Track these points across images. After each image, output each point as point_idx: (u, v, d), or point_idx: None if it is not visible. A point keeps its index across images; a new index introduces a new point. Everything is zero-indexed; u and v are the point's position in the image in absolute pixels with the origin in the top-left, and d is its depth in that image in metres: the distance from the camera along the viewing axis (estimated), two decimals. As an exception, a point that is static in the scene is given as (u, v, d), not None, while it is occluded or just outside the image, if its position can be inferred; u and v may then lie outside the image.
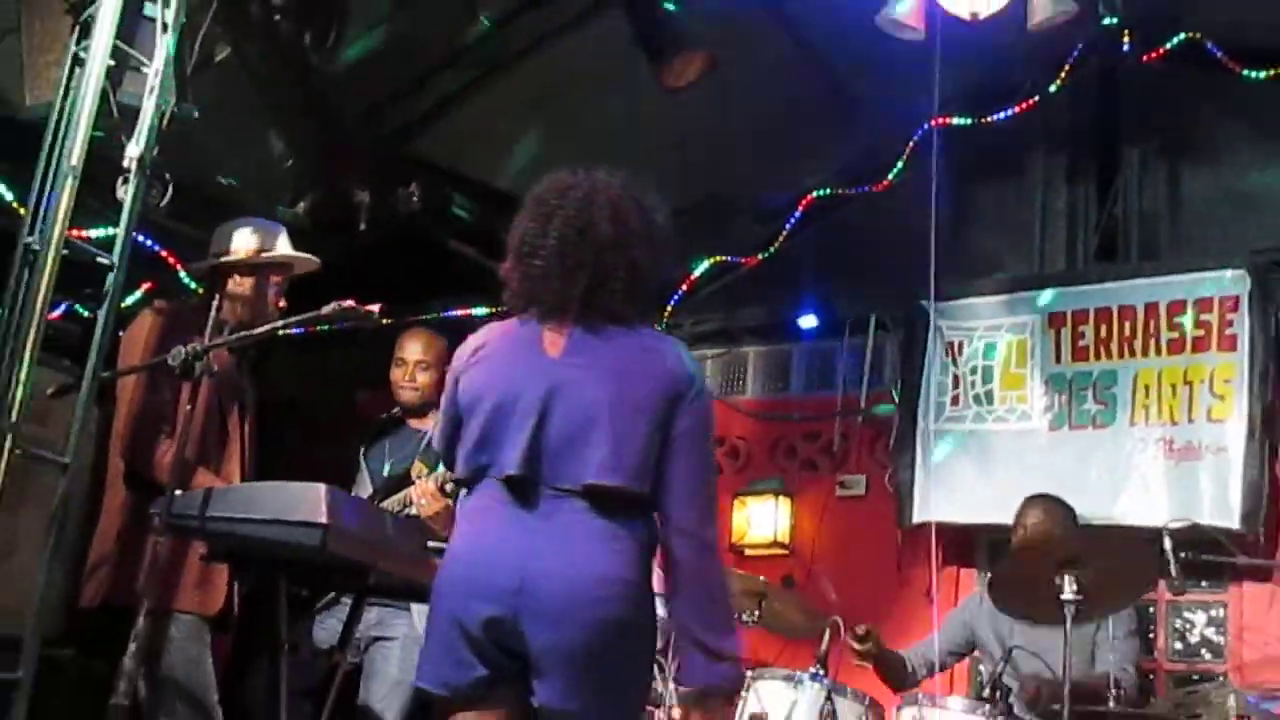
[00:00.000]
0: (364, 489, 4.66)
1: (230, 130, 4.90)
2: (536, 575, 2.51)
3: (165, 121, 3.28)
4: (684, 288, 6.68)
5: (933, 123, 6.44)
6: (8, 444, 2.93)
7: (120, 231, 3.21)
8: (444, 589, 2.66)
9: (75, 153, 3.08)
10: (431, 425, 4.78)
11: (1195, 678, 5.34)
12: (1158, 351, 5.53)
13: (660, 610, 2.72)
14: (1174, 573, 4.11)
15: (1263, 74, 5.71)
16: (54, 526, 3.13)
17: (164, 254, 5.24)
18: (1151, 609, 5.45)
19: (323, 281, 4.08)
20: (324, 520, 3.07)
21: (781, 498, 6.34)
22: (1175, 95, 6.08)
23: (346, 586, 3.74)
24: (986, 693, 4.16)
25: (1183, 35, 5.94)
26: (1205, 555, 4.59)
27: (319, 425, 5.88)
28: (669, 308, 6.60)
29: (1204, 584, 5.39)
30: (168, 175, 3.47)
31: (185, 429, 3.22)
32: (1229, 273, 5.40)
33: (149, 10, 3.27)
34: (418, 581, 3.57)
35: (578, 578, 2.53)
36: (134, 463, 3.70)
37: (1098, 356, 5.69)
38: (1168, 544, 4.11)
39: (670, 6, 4.94)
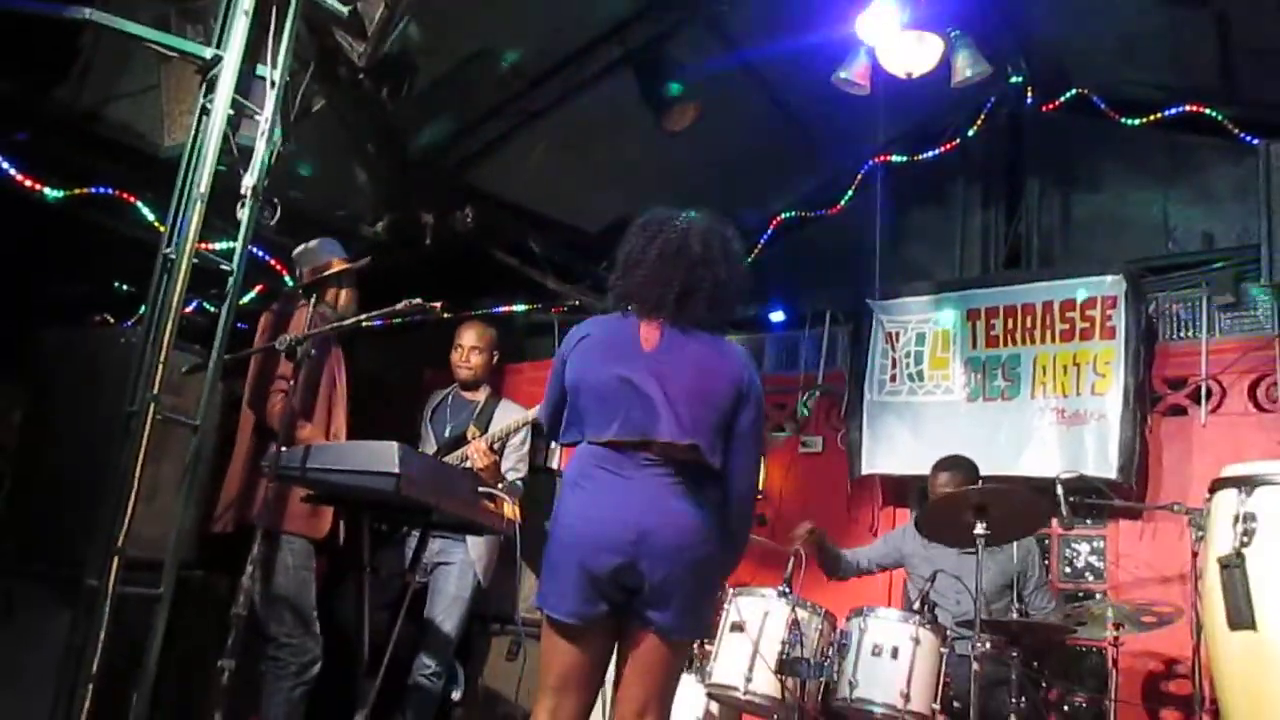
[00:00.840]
0: (429, 447, 4.68)
1: (324, 165, 4.91)
2: (649, 529, 2.63)
3: (273, 158, 3.29)
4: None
5: (876, 159, 6.46)
6: (151, 410, 2.94)
7: (238, 245, 3.22)
8: (571, 542, 2.69)
9: (203, 183, 3.09)
10: (482, 397, 4.80)
11: (1081, 595, 5.34)
12: (1053, 339, 5.51)
13: None
14: (1064, 513, 4.10)
15: (1137, 121, 5.71)
16: (187, 475, 3.14)
17: (272, 262, 5.26)
18: (1046, 541, 5.45)
19: (397, 284, 4.10)
20: (397, 470, 3.09)
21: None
22: (1067, 138, 6.07)
23: (415, 522, 3.75)
24: (916, 606, 4.17)
25: (1074, 90, 5.94)
26: (1089, 499, 4.59)
27: (394, 395, 5.89)
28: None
29: (1088, 522, 5.38)
30: (275, 200, 3.48)
31: (292, 394, 3.30)
32: (1109, 278, 5.38)
33: (260, 71, 3.27)
34: (471, 519, 3.60)
35: (678, 528, 2.66)
36: (253, 408, 3.74)
37: (1006, 343, 5.67)
38: (1059, 490, 4.10)
39: (675, 87, 4.96)
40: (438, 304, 3.31)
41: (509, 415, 4.59)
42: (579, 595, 2.65)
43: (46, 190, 4.31)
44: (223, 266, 3.22)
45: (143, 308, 3.17)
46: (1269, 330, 5.12)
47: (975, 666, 3.79)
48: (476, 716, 4.60)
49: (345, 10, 3.66)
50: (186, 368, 3.43)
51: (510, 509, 3.74)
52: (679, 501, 2.69)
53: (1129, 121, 5.72)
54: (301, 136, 3.67)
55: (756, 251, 6.70)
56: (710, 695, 4.18)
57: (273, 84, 3.27)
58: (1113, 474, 5.06)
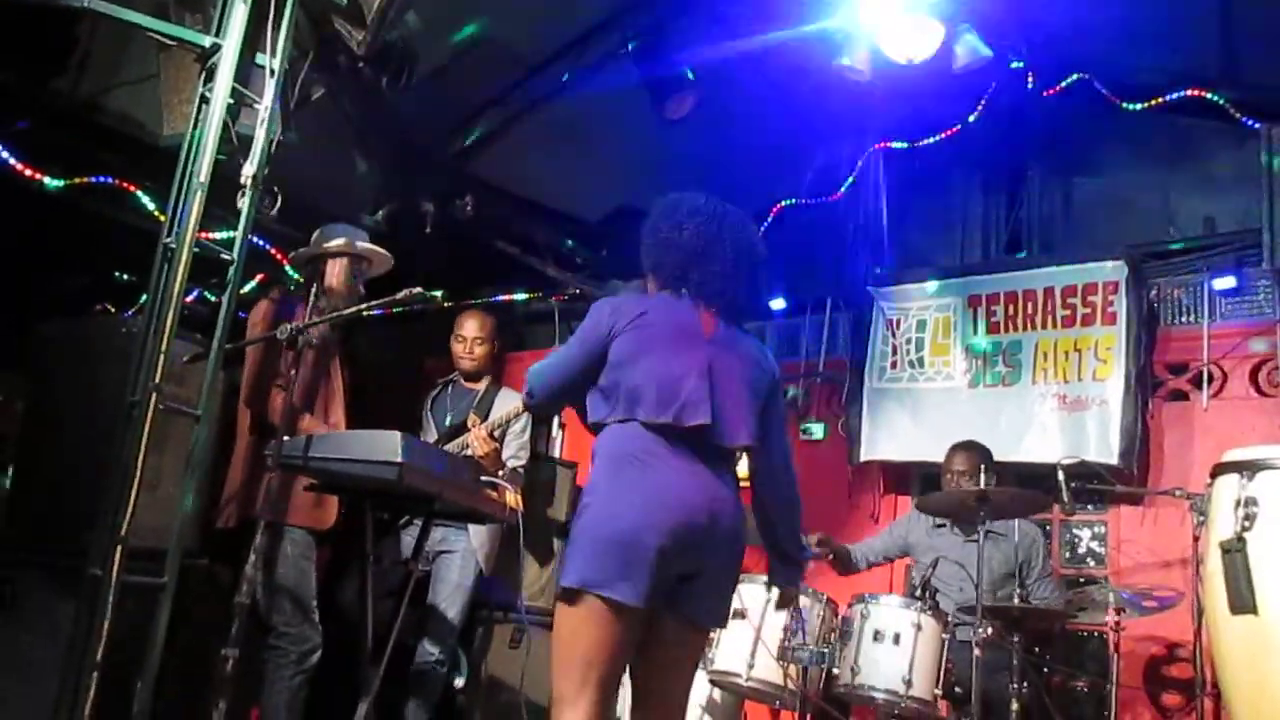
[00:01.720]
0: (429, 436, 4.68)
1: (324, 154, 4.90)
2: (716, 515, 2.64)
3: (273, 147, 3.28)
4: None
5: (876, 146, 6.44)
6: (153, 400, 2.94)
7: (238, 234, 3.21)
8: (643, 522, 2.55)
9: (203, 172, 3.07)
10: (482, 386, 4.80)
11: (1082, 580, 5.34)
12: (1054, 325, 5.51)
13: None
14: (1066, 498, 4.11)
15: (1138, 105, 5.67)
16: (189, 464, 3.14)
17: (273, 251, 5.25)
18: (1048, 526, 5.46)
19: (397, 273, 4.10)
20: (399, 459, 3.09)
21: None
22: (1068, 123, 6.04)
23: (418, 511, 3.75)
24: (918, 592, 4.18)
25: (1075, 75, 5.89)
26: (1090, 485, 4.61)
27: (396, 384, 5.89)
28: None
29: (1089, 507, 5.38)
30: (275, 189, 3.47)
31: (291, 386, 3.27)
32: (1110, 263, 5.37)
33: (260, 59, 3.26)
34: (473, 507, 3.60)
35: (734, 517, 2.70)
36: (252, 406, 3.73)
37: (1007, 329, 5.66)
38: (1061, 476, 4.11)
39: (689, 74, 4.94)
40: (438, 293, 3.31)
41: (509, 403, 4.59)
42: (648, 577, 2.52)
43: (46, 180, 4.30)
44: (223, 256, 3.21)
45: (143, 297, 3.16)
46: (1271, 315, 5.11)
47: (977, 652, 3.81)
48: (479, 704, 4.61)
49: (344, -2, 3.65)
50: (188, 357, 3.43)
51: (512, 497, 3.74)
52: (728, 490, 2.72)
53: (1130, 106, 5.69)
54: (301, 125, 3.66)
55: (757, 238, 6.69)
56: (713, 682, 4.20)
57: (272, 72, 3.26)
58: (1114, 459, 5.06)
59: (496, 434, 4.44)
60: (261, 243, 5.08)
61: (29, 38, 3.81)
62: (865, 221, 6.45)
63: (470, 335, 4.77)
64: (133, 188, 4.56)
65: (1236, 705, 3.08)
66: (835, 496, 6.04)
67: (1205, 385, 5.19)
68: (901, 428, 5.83)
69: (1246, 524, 3.00)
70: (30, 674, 3.20)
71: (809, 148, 6.40)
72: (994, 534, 4.45)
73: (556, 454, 6.36)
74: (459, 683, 4.71)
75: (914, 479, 5.98)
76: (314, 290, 3.86)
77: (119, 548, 2.80)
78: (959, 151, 6.36)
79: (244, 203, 3.19)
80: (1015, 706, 3.83)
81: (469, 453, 4.37)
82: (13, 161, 4.20)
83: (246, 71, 3.22)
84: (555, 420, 6.43)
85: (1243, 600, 2.97)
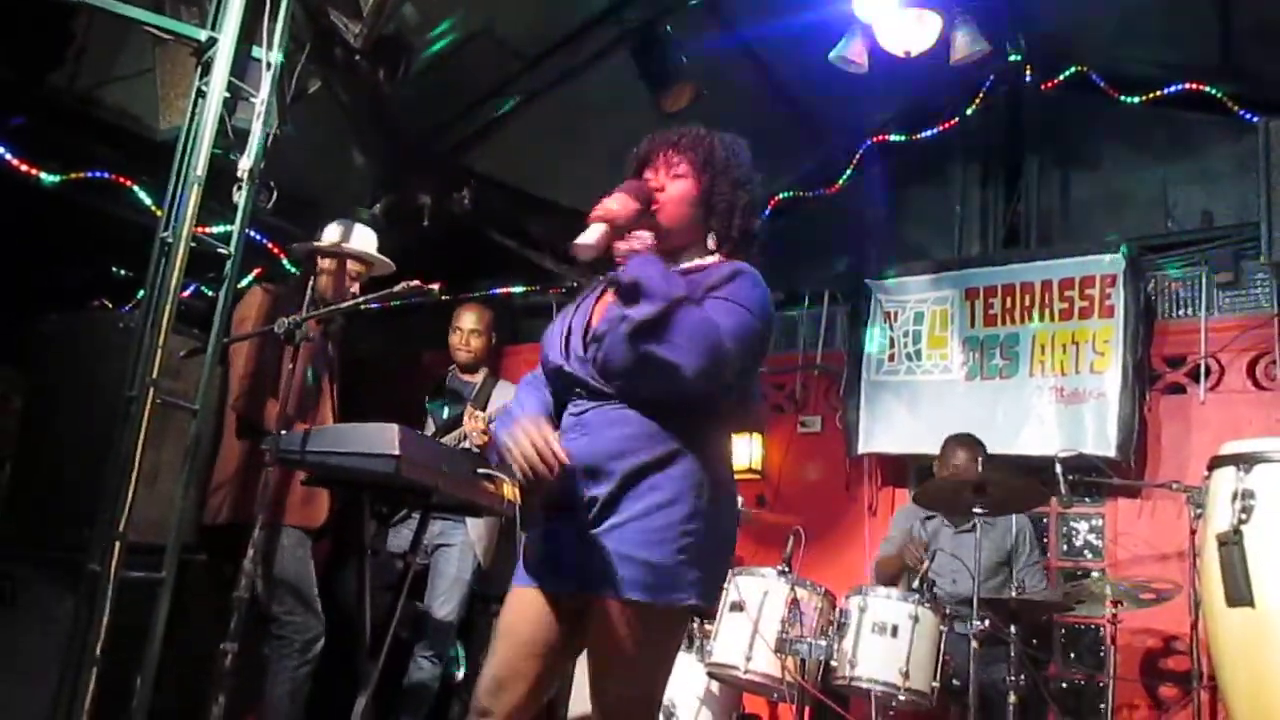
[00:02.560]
0: (428, 429, 4.68)
1: (321, 147, 4.89)
2: None
3: (270, 141, 3.27)
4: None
5: (873, 139, 6.44)
6: (150, 395, 2.94)
7: (235, 228, 3.21)
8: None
9: (200, 166, 3.07)
10: (480, 379, 4.80)
11: (1079, 573, 5.35)
12: (1052, 318, 5.51)
13: None
14: (1063, 491, 4.12)
15: (1136, 98, 5.68)
16: (187, 459, 3.14)
17: (270, 246, 5.24)
18: (1045, 519, 5.47)
19: (395, 266, 4.10)
20: (397, 452, 3.08)
21: (755, 434, 6.35)
22: (1066, 116, 6.05)
23: (416, 504, 3.74)
24: (916, 584, 4.19)
25: (1073, 68, 5.90)
26: (1088, 477, 4.62)
27: (394, 377, 5.89)
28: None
29: (1087, 500, 5.39)
30: (272, 183, 3.46)
31: (288, 384, 3.23)
32: (1108, 256, 5.38)
33: (256, 53, 3.25)
34: (471, 500, 3.60)
35: None
36: (246, 414, 3.72)
37: (1004, 322, 5.67)
38: (1058, 469, 4.12)
39: (683, 59, 4.93)
40: (435, 286, 3.30)
41: (506, 395, 4.59)
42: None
43: (43, 175, 4.29)
44: (220, 250, 3.21)
45: (141, 292, 3.16)
46: (1268, 308, 5.12)
47: (974, 645, 3.82)
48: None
49: (341, -9, 3.65)
50: (185, 352, 3.43)
51: (510, 490, 3.74)
52: None
53: (1128, 99, 5.70)
54: (297, 119, 3.65)
55: (755, 232, 6.69)
56: (710, 674, 4.21)
57: (268, 66, 3.25)
58: (1111, 452, 5.07)
59: (493, 427, 4.45)
60: (258, 237, 5.07)
61: (25, 32, 3.79)
62: (863, 214, 6.45)
63: (467, 328, 4.77)
64: (129, 182, 4.55)
65: (1233, 697, 3.09)
66: (832, 489, 6.05)
67: (1203, 378, 5.19)
68: (899, 420, 5.83)
69: (1243, 517, 3.01)
70: (29, 669, 3.21)
71: (806, 140, 6.38)
72: (985, 523, 4.46)
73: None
74: (458, 676, 4.72)
75: (911, 472, 5.99)
76: (311, 284, 3.86)
77: (117, 543, 2.81)
78: (957, 144, 6.37)
79: (241, 197, 3.19)
80: (1013, 699, 3.84)
81: (466, 445, 4.37)
82: (9, 157, 4.19)
83: (243, 65, 3.22)
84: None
85: (1239, 593, 2.97)
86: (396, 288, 3.32)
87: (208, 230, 3.19)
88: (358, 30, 3.95)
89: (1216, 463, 3.23)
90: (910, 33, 4.73)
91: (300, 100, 4.01)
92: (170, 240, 3.04)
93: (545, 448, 2.09)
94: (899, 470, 6.03)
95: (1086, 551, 5.49)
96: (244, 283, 4.65)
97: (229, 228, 3.22)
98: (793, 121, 6.09)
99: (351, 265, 4.02)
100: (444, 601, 4.44)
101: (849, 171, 6.48)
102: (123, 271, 4.97)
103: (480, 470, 3.67)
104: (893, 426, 5.86)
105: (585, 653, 2.27)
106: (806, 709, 4.06)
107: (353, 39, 3.98)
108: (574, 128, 5.54)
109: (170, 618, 2.98)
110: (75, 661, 2.76)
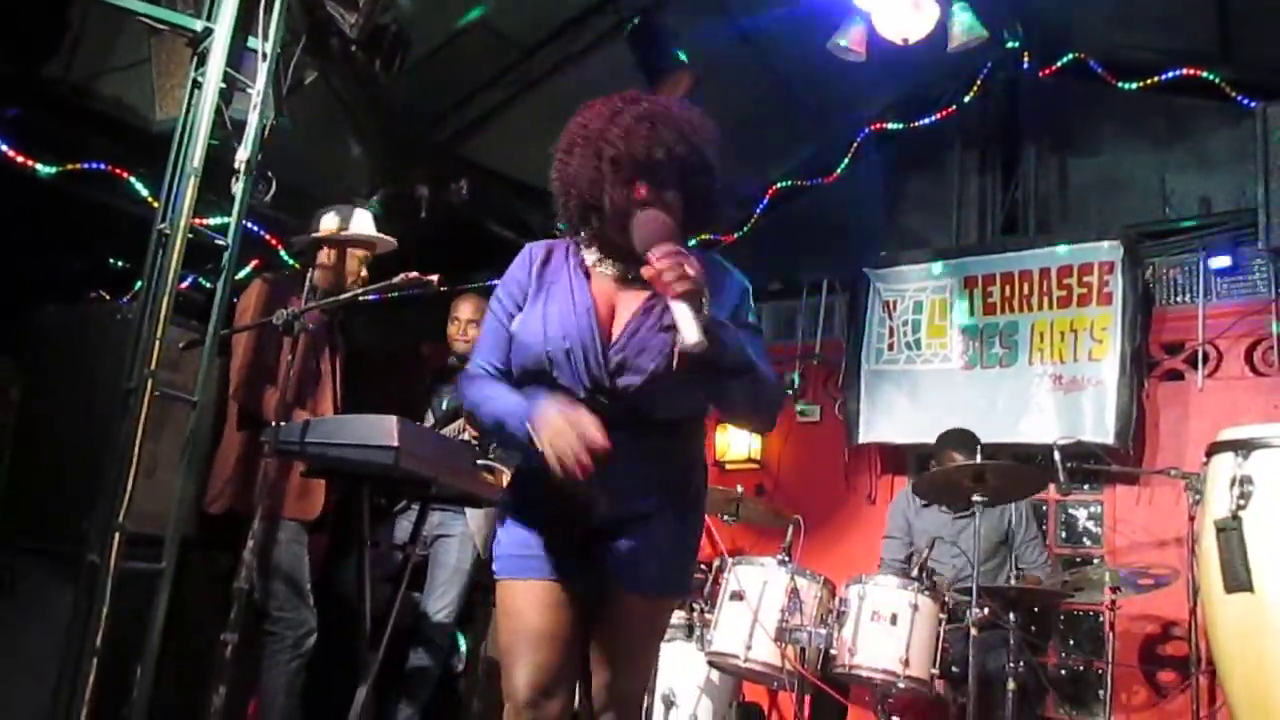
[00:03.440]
0: (427, 420, 4.68)
1: (318, 138, 4.87)
2: None
3: (266, 132, 3.27)
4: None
5: (871, 127, 6.43)
6: (149, 387, 2.94)
7: (233, 220, 3.20)
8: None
9: (196, 157, 3.06)
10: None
11: (1078, 560, 5.37)
12: (1050, 306, 5.52)
13: None
14: (1062, 478, 4.13)
15: (1134, 85, 5.68)
16: (186, 451, 3.14)
17: (268, 237, 5.23)
18: (1044, 507, 5.48)
19: (393, 257, 4.09)
20: (396, 444, 3.08)
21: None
22: (1064, 102, 6.05)
23: (415, 495, 3.76)
24: (915, 572, 4.19)
25: (1071, 55, 5.90)
26: (1086, 465, 4.62)
27: (393, 369, 5.88)
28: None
29: (1085, 487, 5.40)
30: (269, 174, 3.46)
31: (286, 375, 3.23)
32: (1106, 243, 5.38)
33: (252, 43, 3.24)
34: (470, 491, 3.60)
35: None
36: (245, 405, 3.72)
37: (1003, 310, 5.67)
38: (1057, 456, 4.13)
39: (682, 56, 4.90)
40: (434, 277, 3.29)
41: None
42: None
43: (39, 166, 4.28)
44: (218, 241, 3.20)
45: (138, 284, 3.16)
46: (1266, 294, 5.13)
47: (974, 632, 3.82)
48: (478, 687, 4.63)
49: (336, -19, 3.64)
50: (184, 343, 3.42)
51: (508, 480, 3.74)
52: None
53: (1126, 85, 5.69)
54: (294, 109, 3.64)
55: (754, 221, 6.69)
56: (711, 663, 4.21)
57: (264, 56, 3.24)
58: (1110, 439, 5.08)
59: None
60: (256, 228, 5.05)
61: (19, 23, 3.78)
62: (861, 203, 6.44)
63: (465, 318, 4.76)
64: (126, 174, 4.54)
65: (1231, 683, 3.10)
66: (831, 478, 6.06)
67: (1201, 365, 5.20)
68: (899, 410, 5.84)
69: (1242, 503, 3.01)
70: (29, 660, 3.21)
71: (804, 128, 6.38)
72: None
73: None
74: (458, 666, 4.73)
75: (910, 460, 5.99)
76: (310, 275, 3.85)
77: (117, 534, 2.81)
78: (955, 132, 6.36)
79: (238, 188, 3.18)
80: (1012, 686, 3.84)
81: (465, 436, 4.37)
82: (5, 149, 4.18)
83: (239, 56, 3.21)
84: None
85: (1238, 579, 2.97)
86: (395, 279, 3.31)
87: (205, 222, 3.19)
88: (354, 20, 3.93)
89: (1215, 449, 3.23)
90: (908, 20, 4.73)
91: (297, 91, 3.99)
92: (168, 232, 3.03)
93: (591, 439, 1.99)
94: (898, 459, 6.04)
95: (1085, 538, 5.51)
96: (242, 274, 4.66)
97: (226, 219, 3.21)
98: (790, 110, 6.08)
99: (353, 250, 4.02)
100: (444, 592, 4.44)
101: (847, 160, 6.47)
102: (120, 263, 4.96)
103: (479, 461, 3.68)
104: (893, 416, 5.86)
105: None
106: (806, 697, 4.07)
107: (349, 29, 3.96)
108: (570, 117, 5.53)
109: (170, 609, 2.98)
110: (75, 653, 2.76)
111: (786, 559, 4.17)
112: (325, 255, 3.98)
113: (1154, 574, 4.30)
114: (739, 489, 4.95)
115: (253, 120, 3.21)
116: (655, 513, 2.18)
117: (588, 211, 2.20)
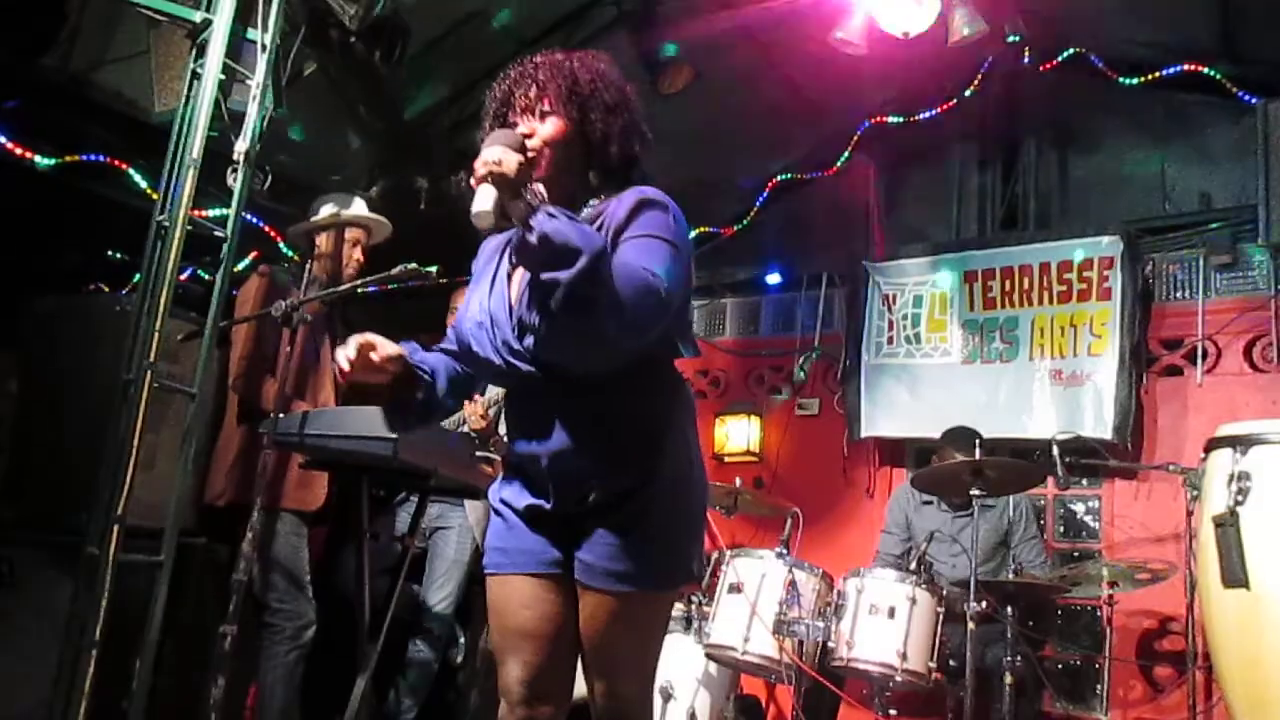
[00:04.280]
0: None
1: (317, 129, 4.87)
2: None
3: (265, 123, 3.27)
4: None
5: (871, 121, 6.42)
6: (148, 378, 2.94)
7: (231, 211, 3.21)
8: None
9: (195, 149, 3.07)
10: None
11: (1076, 554, 5.37)
12: (1050, 301, 5.52)
13: None
14: (1060, 473, 4.12)
15: (1134, 80, 5.66)
16: (185, 443, 3.15)
17: (266, 229, 5.22)
18: (1042, 501, 5.48)
19: (392, 249, 4.09)
20: (394, 435, 3.09)
21: (753, 417, 6.36)
22: (1065, 97, 6.03)
23: (413, 486, 3.76)
24: (913, 566, 4.20)
25: (1071, 50, 5.88)
26: (1085, 459, 4.63)
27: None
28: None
29: (1084, 481, 5.40)
30: (268, 166, 3.46)
31: (285, 366, 3.23)
32: (1105, 238, 5.38)
33: (251, 34, 3.25)
34: (469, 483, 3.60)
35: None
36: (245, 397, 3.72)
37: (1003, 305, 5.67)
38: (1055, 451, 4.13)
39: (671, 49, 4.90)
40: (433, 269, 3.30)
41: (505, 380, 4.59)
42: None
43: (37, 158, 4.28)
44: (216, 233, 3.21)
45: (137, 275, 3.16)
46: (1265, 291, 5.13)
47: (971, 626, 3.83)
48: (477, 679, 4.64)
49: (335, -28, 3.63)
50: (183, 335, 3.42)
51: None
52: None
53: (1127, 81, 5.68)
54: (293, 101, 3.64)
55: (753, 214, 6.69)
56: (708, 656, 4.22)
57: (263, 47, 3.25)
58: (1108, 434, 5.09)
59: (491, 411, 4.45)
60: (255, 220, 5.05)
61: (17, 13, 3.77)
62: (860, 196, 6.44)
63: (464, 311, 4.76)
64: (125, 165, 4.54)
65: (1228, 678, 3.11)
66: (830, 472, 6.06)
67: (1200, 360, 5.21)
68: (899, 404, 5.85)
69: (1239, 498, 3.02)
70: (28, 651, 3.21)
71: (805, 122, 6.37)
72: (982, 505, 4.47)
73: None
74: (457, 658, 4.74)
75: (909, 453, 6.00)
76: (309, 266, 3.85)
77: (116, 526, 2.82)
78: (955, 126, 6.35)
79: (237, 180, 3.18)
80: (1009, 680, 3.85)
81: (464, 428, 4.38)
82: (3, 140, 4.17)
83: (238, 47, 3.21)
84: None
85: (1235, 574, 2.98)
86: (394, 271, 3.31)
87: (204, 213, 3.19)
88: (353, 12, 3.92)
89: (1213, 445, 3.24)
90: (909, 14, 4.72)
91: (296, 83, 3.99)
92: (166, 224, 3.04)
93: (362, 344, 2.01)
94: (896, 453, 6.05)
95: (1083, 533, 5.51)
96: (240, 266, 4.66)
97: (225, 211, 3.22)
98: (790, 104, 6.07)
99: (350, 234, 4.02)
100: (443, 584, 4.45)
101: (847, 154, 6.46)
102: (119, 255, 4.96)
103: (478, 453, 3.69)
104: (894, 410, 5.87)
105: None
106: (804, 690, 4.08)
107: (348, 20, 3.95)
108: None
109: (169, 600, 2.99)
110: (75, 644, 2.77)
111: (785, 552, 4.18)
112: (323, 243, 3.98)
113: (1151, 569, 4.30)
114: (737, 482, 4.95)
115: (252, 112, 3.22)
116: (617, 491, 2.02)
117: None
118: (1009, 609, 3.96)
